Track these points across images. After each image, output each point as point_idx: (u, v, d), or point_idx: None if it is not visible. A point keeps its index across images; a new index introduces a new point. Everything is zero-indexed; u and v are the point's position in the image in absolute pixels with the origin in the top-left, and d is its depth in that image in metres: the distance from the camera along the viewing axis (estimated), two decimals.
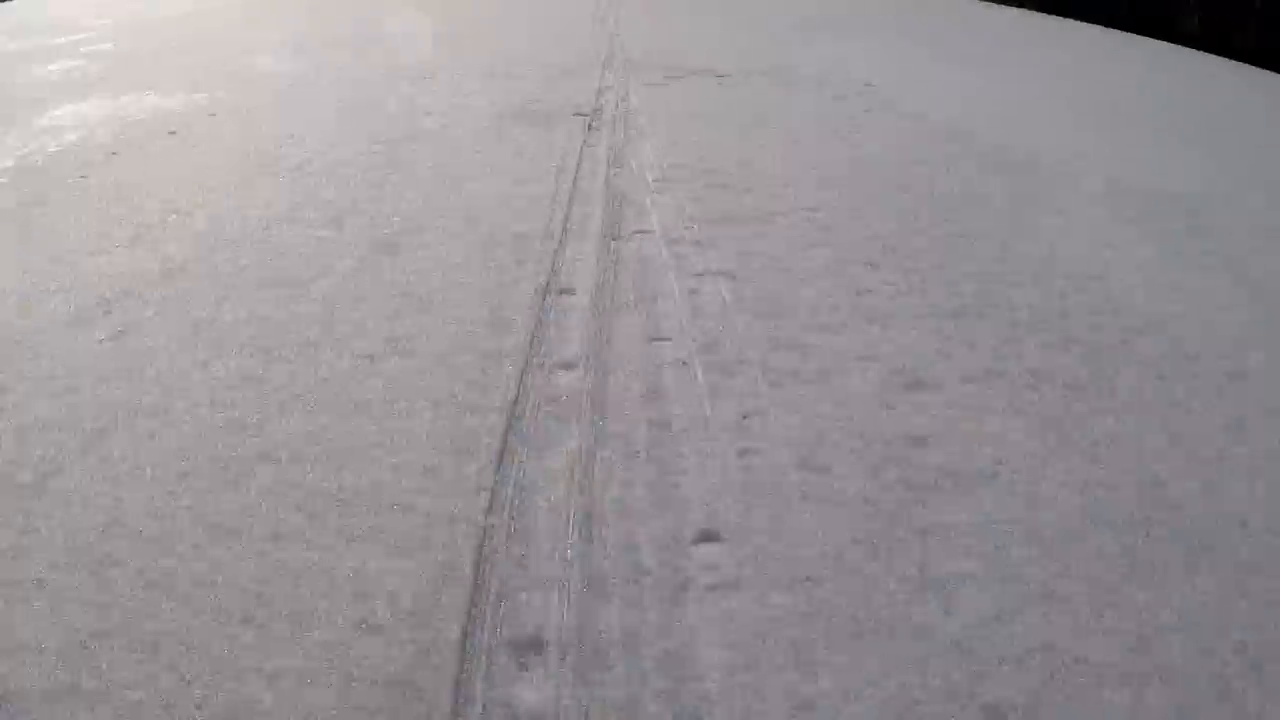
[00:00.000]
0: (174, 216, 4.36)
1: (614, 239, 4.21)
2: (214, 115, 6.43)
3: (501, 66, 8.45)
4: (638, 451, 2.63)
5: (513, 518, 2.34)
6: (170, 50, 9.07)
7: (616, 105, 7.12)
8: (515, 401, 2.84)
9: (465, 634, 1.95)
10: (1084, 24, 14.50)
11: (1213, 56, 11.94)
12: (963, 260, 4.17)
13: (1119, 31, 14.03)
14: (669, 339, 3.29)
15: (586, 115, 6.71)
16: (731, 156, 5.68)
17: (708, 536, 2.29)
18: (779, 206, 4.77)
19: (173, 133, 5.95)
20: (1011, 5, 20.69)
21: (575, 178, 5.09)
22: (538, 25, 12.01)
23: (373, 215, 4.41)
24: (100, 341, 3.15)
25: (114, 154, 5.45)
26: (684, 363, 3.13)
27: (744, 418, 2.82)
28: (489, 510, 2.35)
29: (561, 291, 3.63)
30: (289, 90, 7.31)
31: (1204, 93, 9.65)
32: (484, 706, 1.79)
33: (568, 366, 3.08)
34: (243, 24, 11.16)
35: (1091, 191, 5.39)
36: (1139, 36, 13.50)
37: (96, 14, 11.29)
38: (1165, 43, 12.83)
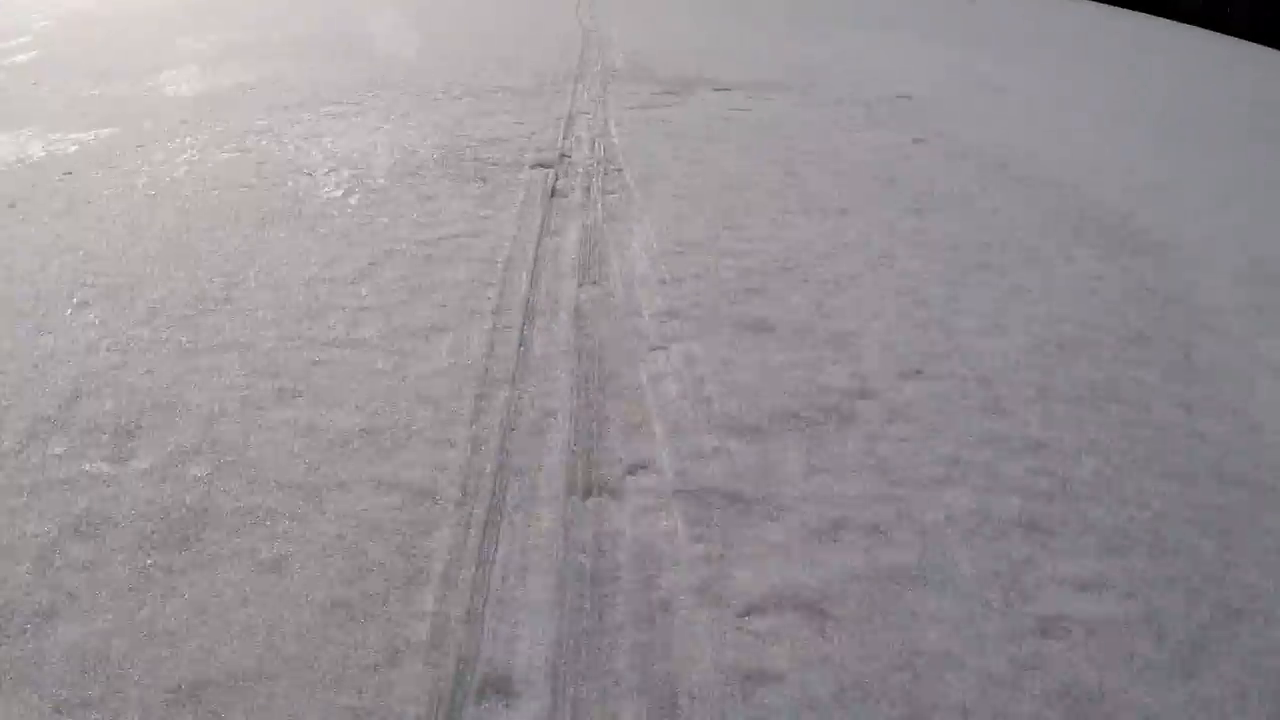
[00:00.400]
0: None
1: (587, 494, 2.36)
2: (70, 174, 4.60)
3: (442, 84, 6.50)
4: None
5: None
6: (89, 61, 7.19)
7: (593, 146, 5.24)
8: None
9: None
10: (1088, 2, 12.76)
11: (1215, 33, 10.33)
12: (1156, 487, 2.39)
13: (1122, 9, 12.33)
14: None
15: (549, 166, 4.84)
16: (765, 248, 3.84)
17: None
18: (856, 376, 2.93)
19: (12, 206, 4.16)
20: None
21: (525, 319, 3.23)
22: (504, 21, 10.05)
23: (179, 437, 2.56)
24: None
25: None
26: None
27: None
28: None
29: (486, 689, 1.81)
30: (180, 127, 5.39)
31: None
32: None
33: None
34: (182, 26, 9.04)
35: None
36: (1147, 15, 11.83)
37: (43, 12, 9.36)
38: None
